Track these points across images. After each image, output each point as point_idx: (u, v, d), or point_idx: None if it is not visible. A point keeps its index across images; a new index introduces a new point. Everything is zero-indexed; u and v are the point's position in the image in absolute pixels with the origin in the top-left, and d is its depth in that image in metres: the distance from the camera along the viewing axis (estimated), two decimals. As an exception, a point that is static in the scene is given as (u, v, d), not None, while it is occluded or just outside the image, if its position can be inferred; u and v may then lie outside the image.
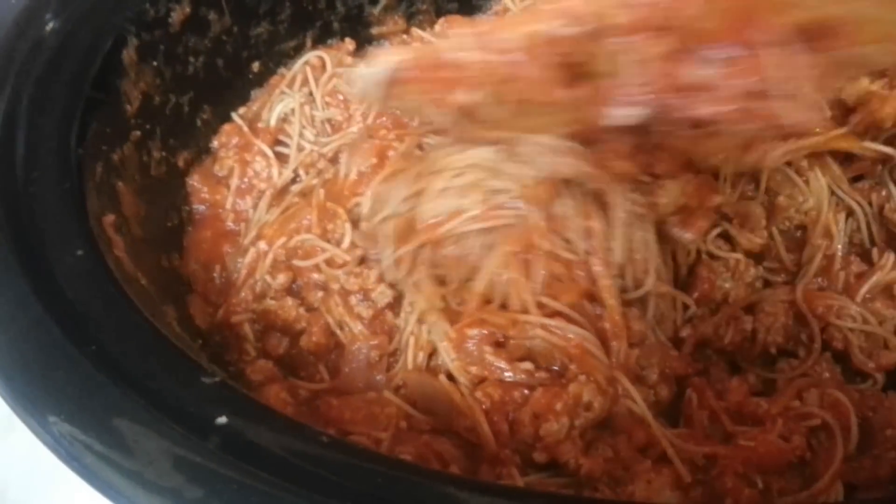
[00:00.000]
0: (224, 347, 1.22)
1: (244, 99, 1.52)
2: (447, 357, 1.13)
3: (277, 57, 1.55)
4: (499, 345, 1.12)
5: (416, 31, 1.66)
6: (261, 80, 1.54)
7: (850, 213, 1.30)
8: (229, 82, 1.48)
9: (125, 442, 0.77)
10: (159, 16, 1.29)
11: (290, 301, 1.25)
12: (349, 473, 0.77)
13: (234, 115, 1.48)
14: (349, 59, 1.56)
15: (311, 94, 1.52)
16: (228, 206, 1.38)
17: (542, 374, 1.11)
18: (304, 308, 1.25)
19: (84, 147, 1.08)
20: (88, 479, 0.76)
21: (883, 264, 1.24)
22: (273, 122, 1.48)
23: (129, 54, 1.22)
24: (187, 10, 1.33)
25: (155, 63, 1.29)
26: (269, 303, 1.25)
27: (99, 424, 0.78)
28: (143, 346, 0.87)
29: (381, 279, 1.23)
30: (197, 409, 0.81)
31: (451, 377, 1.13)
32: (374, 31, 1.66)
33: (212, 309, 1.26)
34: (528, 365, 1.11)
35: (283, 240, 1.30)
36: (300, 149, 1.45)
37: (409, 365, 1.16)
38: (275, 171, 1.42)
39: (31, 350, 0.84)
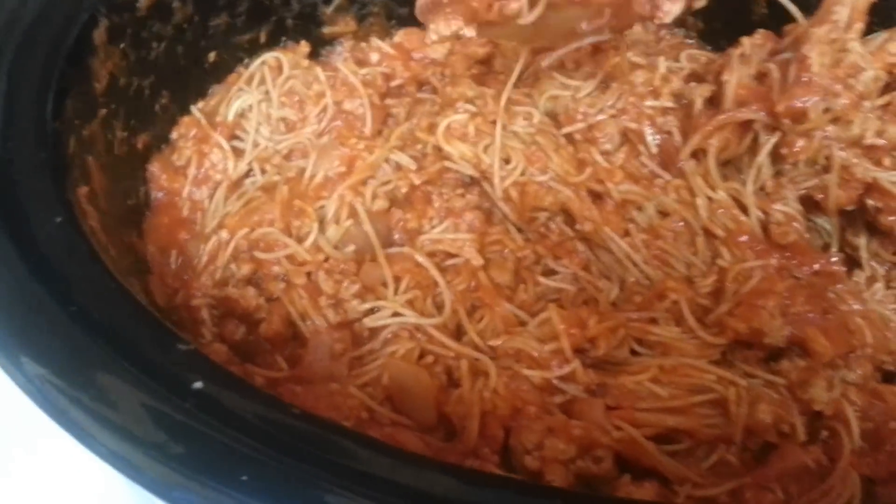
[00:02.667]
0: (179, 328, 1.23)
1: (201, 90, 1.55)
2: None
3: (232, 50, 1.59)
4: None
5: (375, 40, 1.69)
6: (216, 72, 1.58)
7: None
8: (187, 70, 1.51)
9: (109, 396, 0.81)
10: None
11: (251, 291, 1.28)
12: (320, 443, 0.81)
13: (192, 109, 1.52)
14: (305, 62, 1.61)
15: (267, 92, 1.55)
16: (185, 194, 1.42)
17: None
18: (263, 298, 1.28)
19: (60, 120, 1.11)
20: (73, 432, 0.80)
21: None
22: (231, 117, 1.52)
23: (99, 34, 1.26)
24: (154, -5, 1.37)
25: (122, 45, 1.32)
26: (231, 290, 1.27)
27: (83, 381, 0.82)
28: (122, 309, 0.91)
29: (359, 295, 1.26)
30: (174, 372, 0.84)
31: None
32: (326, 30, 1.71)
33: (169, 290, 1.28)
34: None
35: (245, 231, 1.33)
36: (256, 144, 1.49)
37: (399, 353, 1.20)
38: (230, 163, 1.45)
39: (18, 308, 0.88)
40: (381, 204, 1.35)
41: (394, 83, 1.61)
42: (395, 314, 1.24)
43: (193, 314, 1.26)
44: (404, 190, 1.37)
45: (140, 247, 1.31)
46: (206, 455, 0.78)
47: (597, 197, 1.38)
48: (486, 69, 1.61)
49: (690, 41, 1.70)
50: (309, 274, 1.29)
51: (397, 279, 1.27)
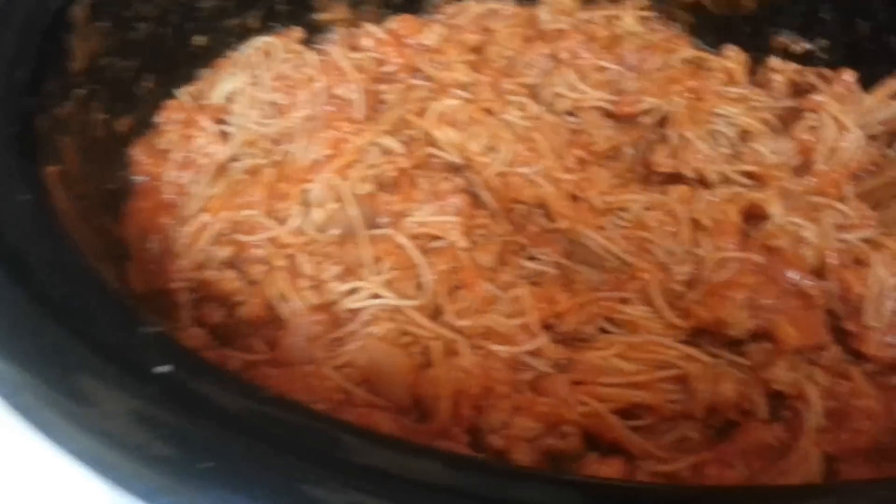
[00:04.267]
0: (159, 313, 1.19)
1: (188, 74, 1.50)
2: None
3: (222, 34, 1.53)
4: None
5: (368, 26, 1.63)
6: (205, 56, 1.52)
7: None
8: (173, 54, 1.46)
9: (67, 385, 0.76)
10: (111, -24, 1.28)
11: (230, 273, 1.24)
12: (289, 428, 0.76)
13: (177, 93, 1.47)
14: (297, 47, 1.56)
15: (257, 76, 1.51)
16: (169, 178, 1.37)
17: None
18: (244, 282, 1.24)
19: (32, 96, 1.07)
20: (29, 420, 0.75)
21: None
22: (217, 101, 1.47)
23: (79, 11, 1.21)
24: (139, -27, 1.32)
25: (104, 23, 1.27)
26: (210, 273, 1.23)
27: (40, 366, 0.77)
28: (85, 291, 0.86)
29: (340, 277, 1.22)
30: (137, 357, 0.80)
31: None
32: (319, 16, 1.65)
33: (148, 276, 1.23)
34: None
35: (227, 213, 1.28)
36: (243, 128, 1.44)
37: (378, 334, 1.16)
38: (217, 147, 1.40)
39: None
40: (367, 188, 1.30)
41: (386, 69, 1.57)
42: (375, 296, 1.19)
43: (172, 297, 1.22)
44: (392, 174, 1.33)
45: (118, 232, 1.26)
46: (168, 443, 0.73)
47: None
48: (478, 57, 1.58)
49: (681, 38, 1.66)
50: (290, 256, 1.24)
51: (378, 260, 1.22)
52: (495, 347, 1.13)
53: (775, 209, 1.29)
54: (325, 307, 1.19)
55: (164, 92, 1.45)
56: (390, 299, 1.18)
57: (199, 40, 1.51)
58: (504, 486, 0.74)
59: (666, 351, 1.15)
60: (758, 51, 1.57)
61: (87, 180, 1.17)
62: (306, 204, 1.29)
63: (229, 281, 1.23)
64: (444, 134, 1.38)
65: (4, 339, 0.79)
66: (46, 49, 1.13)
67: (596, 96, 1.50)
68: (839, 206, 1.30)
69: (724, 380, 1.11)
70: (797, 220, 1.28)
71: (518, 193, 1.34)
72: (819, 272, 1.25)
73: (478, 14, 1.66)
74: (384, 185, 1.33)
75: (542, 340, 1.15)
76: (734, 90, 1.49)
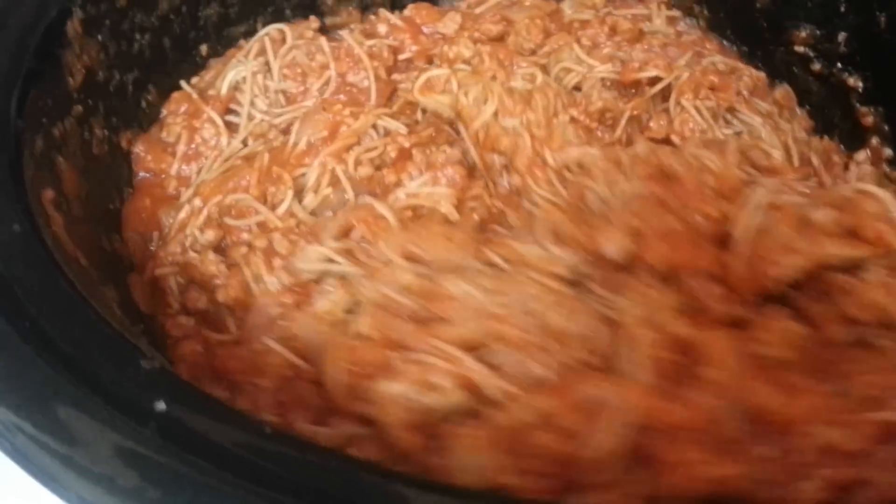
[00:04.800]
0: (151, 301, 1.20)
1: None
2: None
3: (226, 41, 1.52)
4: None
5: (383, 12, 1.61)
6: (207, 66, 1.50)
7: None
8: (176, 64, 1.43)
9: (59, 425, 0.72)
10: (106, -11, 1.25)
11: (211, 256, 1.22)
12: (289, 464, 0.73)
13: (182, 84, 1.44)
14: (311, 33, 1.53)
15: (267, 64, 1.48)
16: (173, 172, 1.35)
17: None
18: (225, 265, 1.22)
19: (24, 119, 1.03)
20: (21, 463, 0.72)
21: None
22: (224, 91, 1.44)
23: (73, 26, 1.18)
24: (135, -16, 1.29)
25: (100, 37, 1.24)
26: (191, 255, 1.22)
27: (31, 405, 0.73)
28: (81, 326, 0.82)
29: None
30: (134, 394, 0.76)
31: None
32: (328, 20, 1.62)
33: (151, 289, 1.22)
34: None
35: (218, 197, 1.27)
36: (251, 118, 1.42)
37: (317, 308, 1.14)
38: (224, 139, 1.38)
39: (-40, 326, 0.79)
40: (364, 171, 1.29)
41: (402, 56, 1.55)
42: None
43: (160, 284, 1.21)
44: (393, 154, 1.31)
45: (121, 249, 1.23)
46: (162, 487, 0.69)
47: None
48: (498, 48, 1.54)
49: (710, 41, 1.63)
50: (270, 238, 1.23)
51: (348, 229, 1.20)
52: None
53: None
54: (299, 287, 1.17)
55: (166, 99, 1.42)
56: (343, 266, 1.16)
57: (203, 49, 1.48)
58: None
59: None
60: (777, 45, 1.54)
61: (87, 201, 1.13)
62: (300, 188, 1.28)
63: (209, 264, 1.21)
64: (429, 100, 1.39)
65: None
66: (39, 67, 1.09)
67: (602, 68, 1.48)
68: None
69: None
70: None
71: (496, 143, 1.34)
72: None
73: (498, 3, 1.64)
74: (383, 165, 1.31)
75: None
76: (763, 104, 1.45)
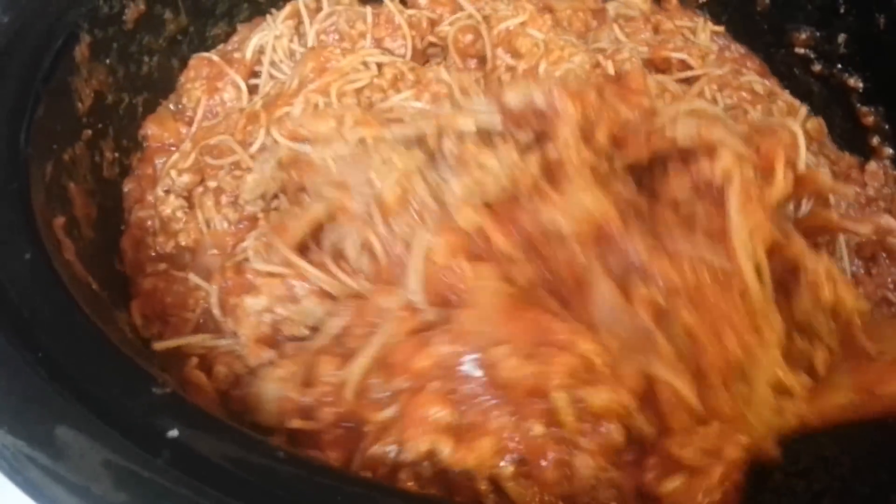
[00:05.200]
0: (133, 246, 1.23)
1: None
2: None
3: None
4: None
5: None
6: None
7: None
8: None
9: (70, 454, 0.72)
10: (113, 13, 1.26)
11: (173, 199, 1.24)
12: (302, 489, 0.73)
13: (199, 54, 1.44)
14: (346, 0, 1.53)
15: (296, 28, 1.48)
16: (187, 135, 1.36)
17: None
18: (184, 210, 1.24)
19: (33, 146, 1.03)
20: (31, 493, 0.72)
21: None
22: (249, 55, 1.44)
23: (81, 51, 1.18)
24: (142, 7, 1.30)
25: (108, 61, 1.25)
26: (159, 195, 1.25)
27: (43, 435, 0.73)
28: (92, 353, 0.83)
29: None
30: (146, 422, 0.76)
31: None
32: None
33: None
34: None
35: (206, 140, 1.29)
36: (271, 77, 1.43)
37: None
38: (244, 100, 1.39)
39: (-27, 357, 0.79)
40: (348, 101, 1.30)
41: (439, 28, 1.52)
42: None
43: (142, 225, 1.24)
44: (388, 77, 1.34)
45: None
46: (176, 514, 0.70)
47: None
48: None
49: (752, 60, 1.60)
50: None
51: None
52: None
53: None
54: (242, 221, 1.22)
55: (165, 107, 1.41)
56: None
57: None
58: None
59: None
60: (778, 47, 1.53)
61: (98, 224, 1.14)
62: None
63: (171, 206, 1.23)
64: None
65: (4, 409, 0.75)
66: (48, 95, 1.09)
67: (633, 45, 1.49)
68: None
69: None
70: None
71: (514, 40, 1.41)
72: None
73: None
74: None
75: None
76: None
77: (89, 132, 1.19)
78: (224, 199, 1.22)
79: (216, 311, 1.08)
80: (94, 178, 1.19)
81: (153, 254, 1.22)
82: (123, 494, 0.70)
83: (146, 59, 1.33)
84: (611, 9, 1.62)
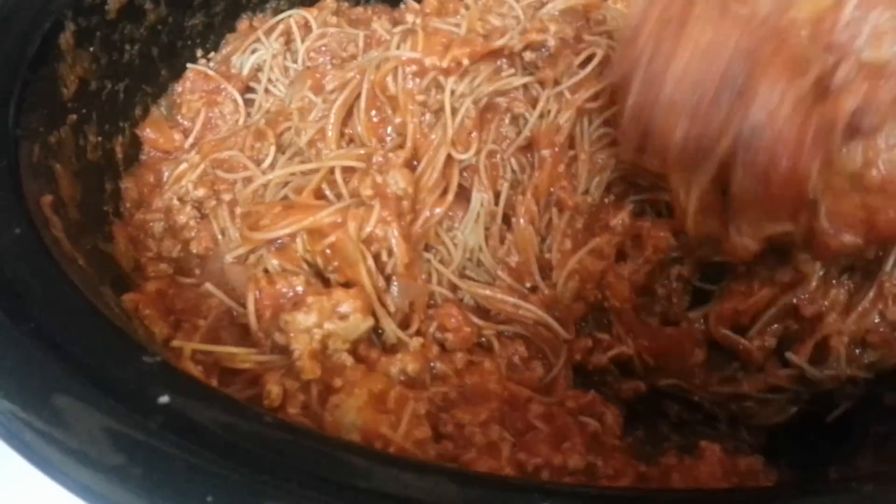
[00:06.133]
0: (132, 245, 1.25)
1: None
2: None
3: (211, 46, 1.51)
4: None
5: (411, 3, 1.57)
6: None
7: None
8: (165, 72, 1.44)
9: (66, 419, 0.73)
10: (96, 2, 1.25)
11: (188, 209, 1.26)
12: (291, 452, 0.74)
13: (195, 65, 1.47)
14: (333, 19, 1.53)
15: (286, 44, 1.49)
16: (187, 145, 1.38)
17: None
18: (197, 219, 1.27)
19: (21, 127, 1.03)
20: (28, 457, 0.73)
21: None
22: (246, 71, 1.46)
23: (66, 39, 1.18)
24: (124, -3, 1.30)
25: (91, 49, 1.24)
26: (173, 202, 1.27)
27: (38, 402, 0.74)
28: (83, 324, 0.83)
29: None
30: (138, 388, 0.77)
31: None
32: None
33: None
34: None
35: (215, 154, 1.30)
36: (267, 91, 1.45)
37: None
38: (241, 118, 1.41)
39: (-32, 326, 0.80)
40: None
41: None
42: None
43: (145, 228, 1.25)
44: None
45: (116, 253, 1.22)
46: (168, 476, 0.70)
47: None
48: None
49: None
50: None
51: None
52: None
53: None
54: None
55: (154, 101, 1.43)
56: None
57: (188, 55, 1.49)
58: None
59: None
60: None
61: (82, 205, 1.14)
62: (285, 144, 1.31)
63: (185, 215, 1.25)
64: None
65: (2, 372, 0.76)
66: (34, 79, 1.10)
67: None
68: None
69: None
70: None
71: None
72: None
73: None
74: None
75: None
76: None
77: (74, 117, 1.19)
78: (239, 210, 1.23)
79: (252, 322, 1.08)
80: (79, 161, 1.19)
81: (151, 255, 1.23)
82: (120, 457, 0.71)
83: (128, 47, 1.33)
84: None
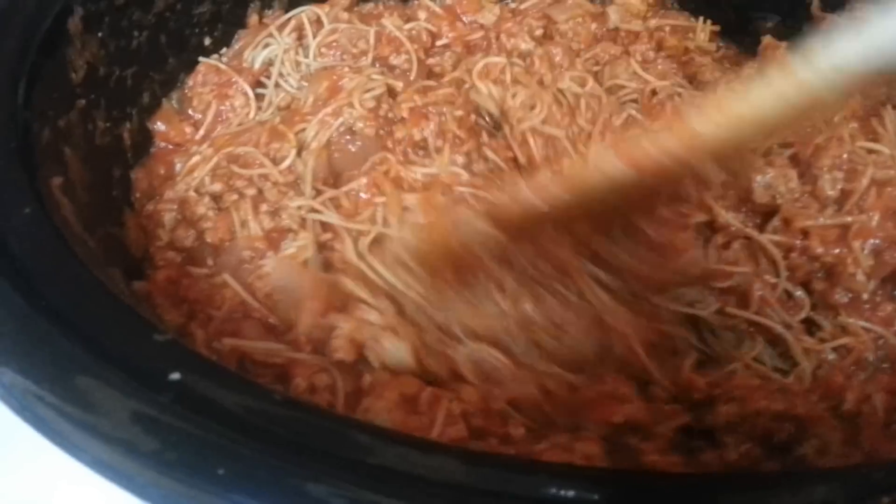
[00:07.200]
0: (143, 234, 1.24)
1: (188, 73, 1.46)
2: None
3: (220, 34, 1.51)
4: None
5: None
6: (205, 54, 1.50)
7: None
8: (173, 59, 1.43)
9: (78, 394, 0.73)
10: (105, -13, 1.25)
11: (206, 200, 1.25)
12: (301, 430, 0.74)
13: (206, 59, 1.47)
14: (345, 15, 1.53)
15: (299, 39, 1.50)
16: (198, 137, 1.38)
17: None
18: (215, 210, 1.25)
19: (31, 110, 1.03)
20: (42, 431, 0.72)
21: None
22: (258, 65, 1.46)
23: (74, 23, 1.18)
24: (132, -17, 1.29)
25: (100, 34, 1.24)
26: (190, 194, 1.25)
27: (51, 377, 0.74)
28: (94, 302, 0.83)
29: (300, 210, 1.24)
30: (149, 365, 0.77)
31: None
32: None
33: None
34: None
35: (229, 148, 1.29)
36: (277, 85, 1.45)
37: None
38: (252, 111, 1.41)
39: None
40: (360, 125, 1.31)
41: (439, 42, 1.54)
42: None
43: (156, 217, 1.24)
44: (404, 115, 1.33)
45: (124, 238, 1.22)
46: (180, 450, 0.70)
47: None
48: (551, 46, 1.51)
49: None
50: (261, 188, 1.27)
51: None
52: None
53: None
54: (276, 232, 1.21)
55: (164, 93, 1.42)
56: (328, 217, 1.21)
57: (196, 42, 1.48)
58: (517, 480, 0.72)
59: None
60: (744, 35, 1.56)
61: (91, 189, 1.13)
62: (301, 145, 1.30)
63: (203, 206, 1.24)
64: (485, 86, 1.36)
65: (13, 351, 0.76)
66: (44, 63, 1.10)
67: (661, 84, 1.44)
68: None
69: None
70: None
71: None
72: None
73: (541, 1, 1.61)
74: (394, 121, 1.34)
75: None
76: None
77: (83, 102, 1.19)
78: (265, 207, 1.23)
79: (307, 321, 1.09)
80: (88, 146, 1.19)
81: (161, 244, 1.22)
82: (133, 431, 0.71)
83: (136, 33, 1.33)
84: (612, 13, 1.59)
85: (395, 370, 1.04)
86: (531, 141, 1.31)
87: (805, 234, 1.19)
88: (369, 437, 0.74)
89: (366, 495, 0.69)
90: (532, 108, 1.34)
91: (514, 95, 1.35)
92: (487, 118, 1.39)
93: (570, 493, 0.71)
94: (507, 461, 0.83)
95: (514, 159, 1.33)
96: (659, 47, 1.53)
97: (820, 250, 1.17)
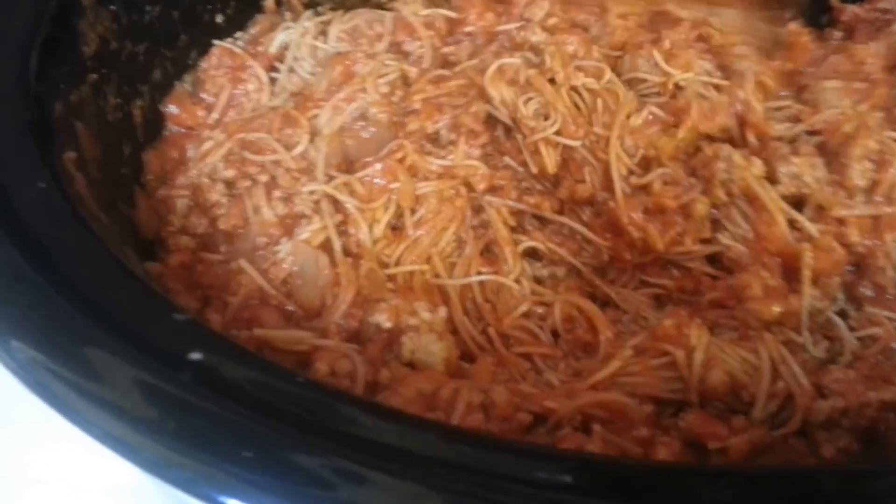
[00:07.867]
0: (156, 218, 1.23)
1: (201, 54, 1.43)
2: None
3: (233, 12, 1.48)
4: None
5: None
6: (217, 34, 1.46)
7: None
8: (183, 35, 1.40)
9: (95, 370, 0.71)
10: (118, -41, 1.23)
11: (220, 186, 1.23)
12: (321, 411, 0.72)
13: (221, 42, 1.44)
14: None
15: (322, 24, 1.48)
16: (211, 120, 1.36)
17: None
18: (227, 197, 1.23)
19: (43, 83, 1.01)
20: (57, 407, 0.71)
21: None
22: (274, 49, 1.44)
23: (87, -4, 1.16)
24: (145, -45, 1.27)
25: (112, 7, 1.22)
26: (203, 180, 1.24)
27: (68, 352, 0.72)
28: (111, 279, 0.81)
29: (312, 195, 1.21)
30: (168, 344, 0.75)
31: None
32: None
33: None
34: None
35: (241, 134, 1.28)
36: (291, 70, 1.43)
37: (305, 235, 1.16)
38: (265, 95, 1.39)
39: (-3, 279, 0.78)
40: (374, 111, 1.30)
41: (467, 29, 1.47)
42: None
43: (169, 203, 1.23)
44: (417, 106, 1.30)
45: (135, 217, 1.20)
46: (201, 430, 0.69)
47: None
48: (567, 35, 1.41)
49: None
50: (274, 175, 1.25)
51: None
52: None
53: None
54: (290, 218, 1.19)
55: (177, 71, 1.40)
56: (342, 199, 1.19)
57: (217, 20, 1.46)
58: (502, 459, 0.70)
59: None
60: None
61: (103, 165, 1.11)
62: (314, 132, 1.28)
63: (216, 192, 1.22)
64: (498, 91, 1.30)
65: (29, 326, 0.75)
66: (56, 35, 1.07)
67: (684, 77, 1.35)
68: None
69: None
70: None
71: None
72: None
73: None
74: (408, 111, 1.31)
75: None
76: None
77: (95, 76, 1.17)
78: (277, 193, 1.21)
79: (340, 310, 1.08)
80: (99, 121, 1.16)
81: (173, 229, 1.21)
82: (153, 409, 0.69)
83: (148, 8, 1.30)
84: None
85: (419, 367, 1.02)
86: (544, 152, 1.27)
87: (841, 222, 1.16)
88: (401, 424, 0.73)
89: (381, 477, 0.67)
90: (546, 118, 1.28)
91: (526, 102, 1.28)
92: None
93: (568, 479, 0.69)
94: (490, 442, 0.80)
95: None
96: (700, 39, 1.42)
97: (855, 238, 1.15)
